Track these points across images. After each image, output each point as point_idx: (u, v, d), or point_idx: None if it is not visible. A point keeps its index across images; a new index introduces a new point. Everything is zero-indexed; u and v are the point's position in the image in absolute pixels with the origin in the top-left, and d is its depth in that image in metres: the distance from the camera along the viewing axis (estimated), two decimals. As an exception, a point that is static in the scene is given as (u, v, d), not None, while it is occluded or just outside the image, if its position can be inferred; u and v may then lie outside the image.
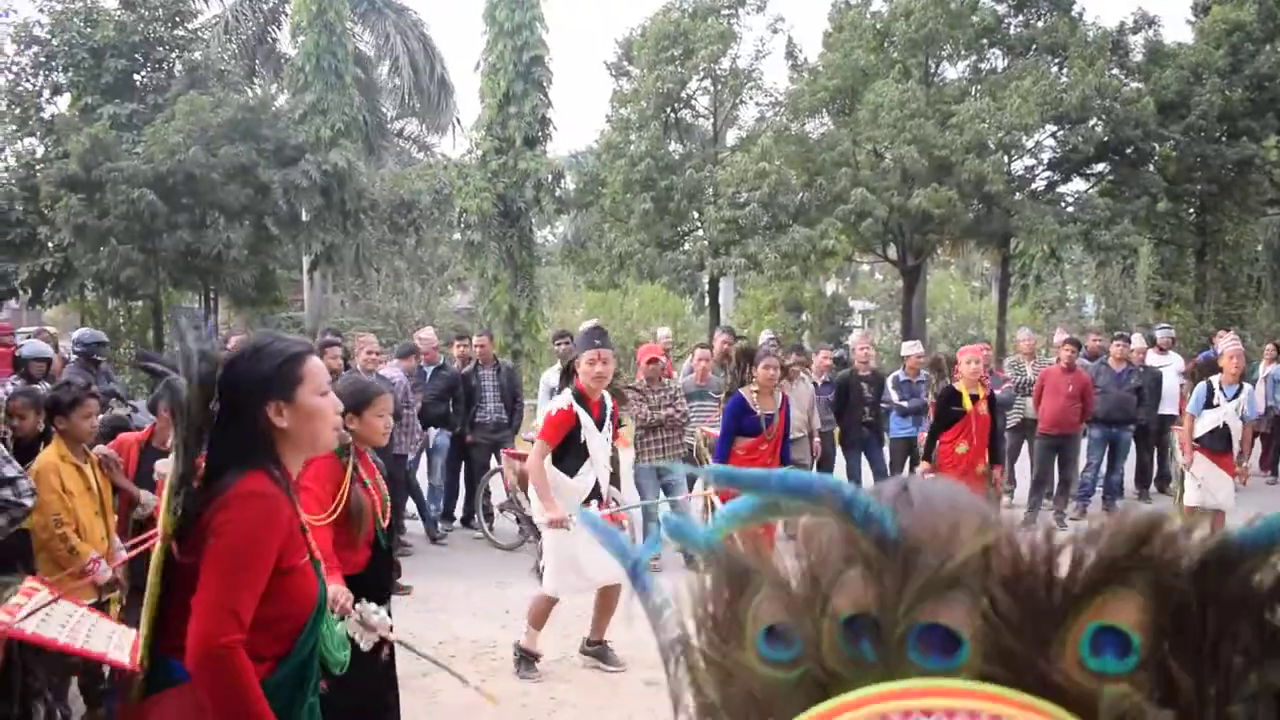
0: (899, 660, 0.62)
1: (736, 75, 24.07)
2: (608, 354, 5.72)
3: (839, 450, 10.47)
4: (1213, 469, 8.53)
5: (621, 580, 5.90)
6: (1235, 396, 8.54)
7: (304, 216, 21.99)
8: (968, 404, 8.07)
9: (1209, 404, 8.55)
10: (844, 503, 0.65)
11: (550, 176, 23.53)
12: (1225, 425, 8.50)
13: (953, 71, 25.52)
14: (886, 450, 10.48)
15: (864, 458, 10.30)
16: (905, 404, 10.26)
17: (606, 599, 5.94)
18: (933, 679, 0.60)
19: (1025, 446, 10.96)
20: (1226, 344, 9.40)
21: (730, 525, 0.72)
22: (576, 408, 5.65)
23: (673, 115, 24.27)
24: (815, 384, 9.98)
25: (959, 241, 25.94)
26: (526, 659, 5.92)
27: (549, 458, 5.67)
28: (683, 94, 23.92)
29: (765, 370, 7.24)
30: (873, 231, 22.76)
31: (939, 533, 0.63)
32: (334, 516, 3.64)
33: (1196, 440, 8.57)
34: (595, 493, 5.79)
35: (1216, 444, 8.52)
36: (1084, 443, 10.75)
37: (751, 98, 25.10)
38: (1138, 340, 11.46)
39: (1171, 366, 11.57)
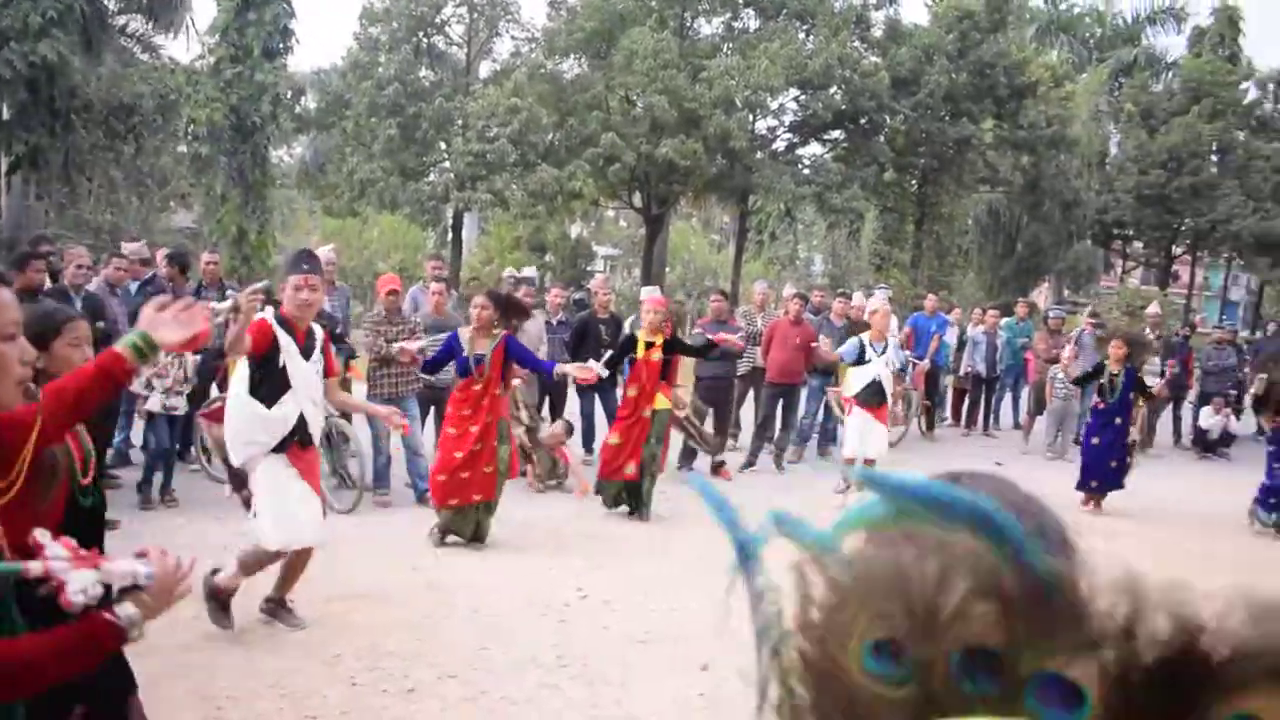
0: (1015, 703, 0.59)
1: (494, 6, 23.60)
2: (316, 280, 5.31)
3: (571, 390, 10.56)
4: (869, 420, 9.14)
5: (318, 544, 5.28)
6: (883, 353, 9.20)
7: (4, 113, 19.85)
8: (641, 350, 8.23)
9: (861, 359, 9.15)
10: (995, 532, 0.60)
11: (290, 92, 22.34)
12: (878, 379, 9.12)
13: (707, 27, 26.05)
14: (620, 393, 10.64)
15: (598, 400, 10.43)
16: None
17: (302, 559, 5.41)
18: None
19: (752, 393, 11.43)
20: (874, 303, 9.98)
21: (853, 527, 0.67)
22: (277, 328, 5.19)
23: (425, 40, 23.52)
24: (550, 323, 10.03)
25: (701, 194, 26.65)
26: (217, 599, 5.23)
27: (246, 385, 5.18)
28: (437, 19, 23.24)
29: (478, 310, 7.07)
30: (620, 177, 22.99)
31: (1081, 584, 0.60)
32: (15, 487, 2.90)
33: (858, 395, 9.15)
34: (299, 428, 5.25)
35: (872, 398, 9.14)
36: (804, 391, 11.30)
37: (508, 31, 24.73)
38: (858, 298, 12.15)
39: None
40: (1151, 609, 0.58)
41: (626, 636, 5.66)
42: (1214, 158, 31.93)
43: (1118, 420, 9.89)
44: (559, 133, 22.71)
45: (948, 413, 14.98)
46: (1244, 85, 34.34)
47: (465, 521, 7.15)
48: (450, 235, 26.14)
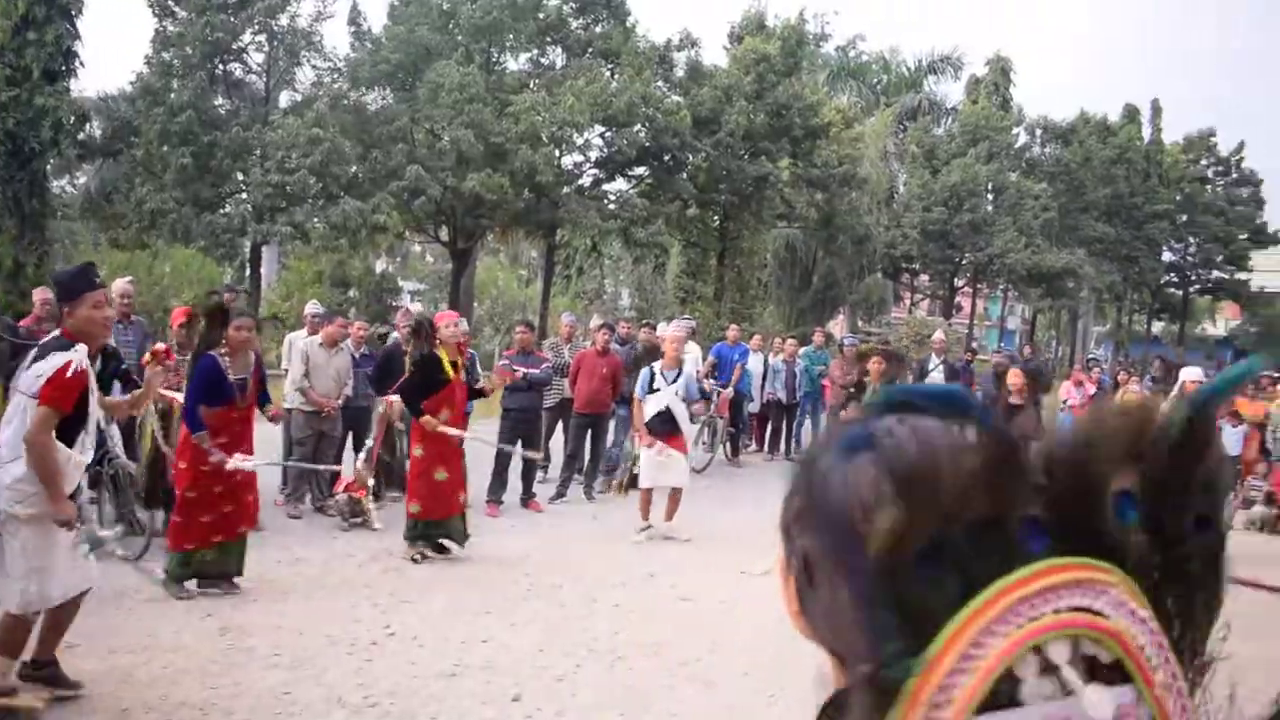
0: (1017, 555, 0.75)
1: (295, 34, 23.01)
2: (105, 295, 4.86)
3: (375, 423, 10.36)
4: (664, 449, 8.99)
5: (82, 591, 4.79)
6: (675, 380, 9.10)
7: None
8: (449, 372, 7.94)
9: (651, 389, 9.09)
10: (975, 411, 0.80)
11: (73, 117, 21.11)
12: (669, 408, 9.03)
13: (513, 63, 26.19)
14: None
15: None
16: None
17: (63, 614, 4.85)
18: (1036, 563, 0.74)
19: (560, 424, 11.47)
20: (674, 329, 9.98)
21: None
22: (88, 366, 4.69)
23: (221, 67, 22.72)
24: (354, 356, 9.86)
25: (509, 228, 26.66)
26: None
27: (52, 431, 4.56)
28: (234, 46, 22.45)
29: (237, 332, 6.62)
30: (425, 211, 22.75)
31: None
32: None
33: (647, 424, 9.09)
34: (92, 465, 4.89)
35: (663, 427, 9.06)
36: (612, 421, 11.43)
37: (309, 60, 24.11)
38: (664, 329, 12.39)
39: (691, 355, 12.62)
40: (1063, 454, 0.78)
41: (436, 671, 5.58)
42: (990, 196, 34.24)
43: None
44: (363, 165, 22.30)
45: (751, 439, 15.43)
46: (1015, 130, 37.09)
47: (229, 558, 6.74)
48: (249, 270, 25.21)
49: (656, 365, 9.26)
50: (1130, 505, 0.78)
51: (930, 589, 0.79)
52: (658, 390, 9.09)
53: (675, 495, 9.09)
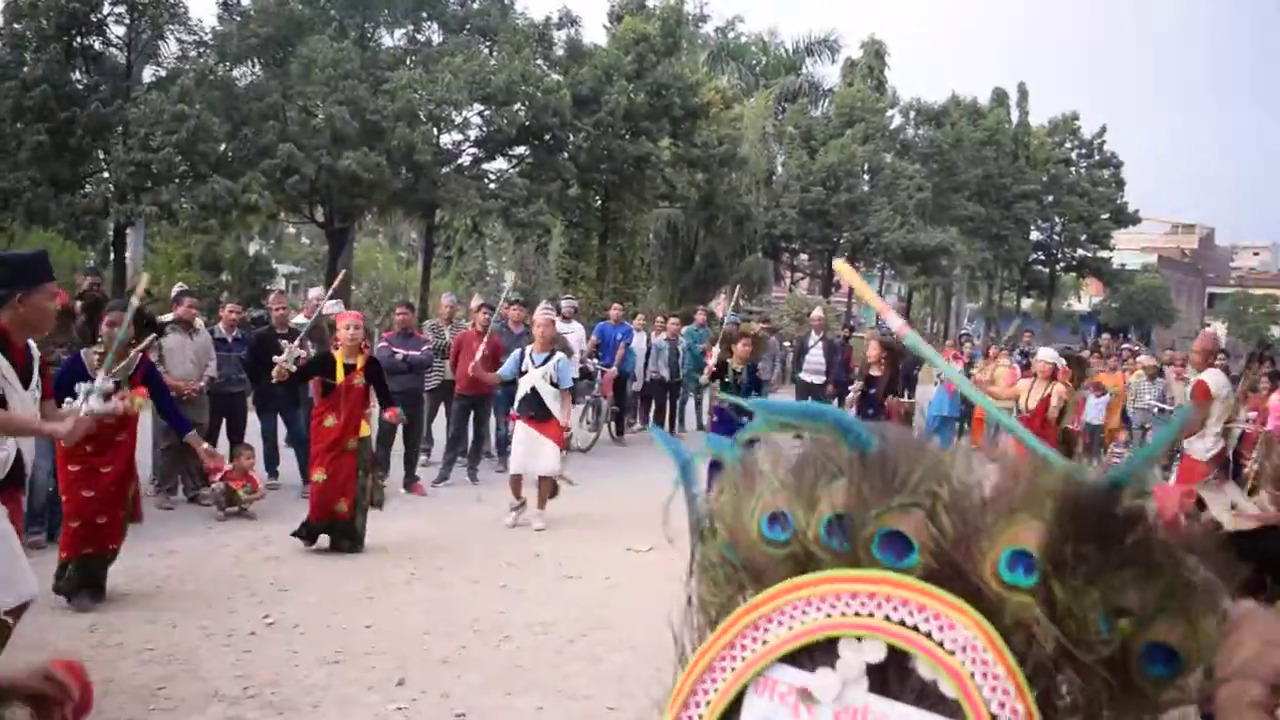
0: (864, 555, 0.80)
1: (158, 6, 22.07)
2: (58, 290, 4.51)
3: (251, 412, 10.07)
4: (532, 434, 8.75)
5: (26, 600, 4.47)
6: (544, 364, 8.83)
7: None
8: (340, 375, 7.66)
9: (521, 371, 8.88)
10: (841, 426, 0.85)
11: (-85, 92, 19.92)
12: (535, 390, 8.77)
13: (389, 39, 25.68)
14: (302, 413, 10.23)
15: (280, 420, 10.00)
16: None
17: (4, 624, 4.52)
18: (884, 571, 0.78)
19: (443, 407, 11.34)
20: (538, 314, 9.65)
21: (754, 432, 0.93)
22: None
23: (79, 40, 21.67)
24: (225, 341, 9.57)
25: (387, 208, 26.14)
26: None
27: None
28: (92, 17, 21.43)
29: (109, 328, 6.22)
30: (299, 190, 22.10)
31: (908, 459, 0.82)
32: None
33: (516, 409, 8.91)
34: (17, 468, 4.33)
35: (531, 411, 8.78)
36: (493, 402, 11.32)
37: (173, 33, 23.16)
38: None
39: (574, 334, 12.61)
40: (947, 473, 0.82)
41: (317, 658, 5.47)
42: (866, 177, 34.99)
43: (715, 419, 10.13)
44: (232, 143, 21.57)
45: (636, 417, 15.49)
46: (890, 112, 37.96)
47: (90, 574, 6.21)
48: (113, 254, 24.18)
49: (530, 348, 9.01)
50: (1024, 566, 0.76)
51: (773, 555, 0.86)
52: (525, 372, 8.86)
53: (544, 483, 8.92)
